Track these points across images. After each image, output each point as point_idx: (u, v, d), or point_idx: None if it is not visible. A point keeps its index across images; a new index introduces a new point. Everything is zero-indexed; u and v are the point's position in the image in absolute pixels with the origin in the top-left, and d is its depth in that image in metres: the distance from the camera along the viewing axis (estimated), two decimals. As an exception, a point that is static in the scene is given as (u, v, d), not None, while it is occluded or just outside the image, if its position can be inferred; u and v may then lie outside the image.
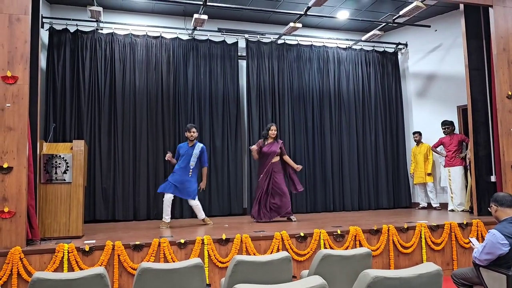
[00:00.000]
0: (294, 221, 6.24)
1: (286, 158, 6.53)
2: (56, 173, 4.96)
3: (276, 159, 6.39)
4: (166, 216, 5.98)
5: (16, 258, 3.98)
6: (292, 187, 6.54)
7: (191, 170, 6.01)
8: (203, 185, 6.18)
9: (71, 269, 4.07)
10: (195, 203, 6.06)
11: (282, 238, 4.71)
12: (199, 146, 6.12)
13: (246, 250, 4.59)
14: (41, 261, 4.11)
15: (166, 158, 6.17)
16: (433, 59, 8.73)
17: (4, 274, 3.94)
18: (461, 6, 6.54)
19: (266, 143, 6.40)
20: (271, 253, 4.59)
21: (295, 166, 6.45)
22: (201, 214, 6.15)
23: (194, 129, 6.11)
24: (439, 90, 8.57)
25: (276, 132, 6.43)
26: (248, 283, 2.14)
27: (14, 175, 4.26)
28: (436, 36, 8.61)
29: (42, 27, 6.88)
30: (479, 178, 6.23)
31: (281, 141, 6.55)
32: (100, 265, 4.13)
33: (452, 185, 7.44)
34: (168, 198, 5.95)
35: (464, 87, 6.54)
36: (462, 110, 7.95)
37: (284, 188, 6.33)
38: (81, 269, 4.06)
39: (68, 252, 4.11)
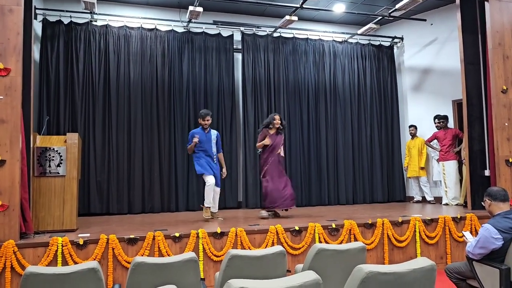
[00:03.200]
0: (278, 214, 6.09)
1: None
2: (49, 166, 4.93)
3: (282, 150, 6.10)
4: (211, 201, 5.74)
5: (9, 252, 3.96)
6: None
7: (214, 157, 5.90)
8: (224, 172, 6.06)
9: (65, 262, 4.06)
10: (219, 191, 5.95)
11: (277, 231, 4.72)
12: (214, 132, 6.00)
13: (241, 243, 4.59)
14: (34, 254, 4.09)
15: (194, 141, 5.70)
16: (429, 53, 8.73)
17: (-3, 268, 3.92)
18: (457, 0, 6.52)
19: (271, 133, 6.02)
20: (265, 247, 4.60)
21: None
22: (208, 200, 5.80)
23: (208, 117, 5.89)
24: (435, 84, 8.58)
25: (280, 122, 6.03)
26: (243, 277, 2.13)
27: (7, 168, 4.22)
28: (431, 30, 8.60)
29: (36, 18, 6.81)
30: (473, 172, 6.26)
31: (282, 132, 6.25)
32: (94, 259, 4.12)
33: (446, 179, 7.47)
34: (213, 183, 5.66)
35: (459, 81, 6.54)
36: (457, 104, 7.97)
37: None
38: (75, 262, 4.05)
39: (62, 246, 4.10)
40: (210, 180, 5.70)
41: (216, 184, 5.80)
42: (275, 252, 2.79)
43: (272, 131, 6.04)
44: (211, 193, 5.72)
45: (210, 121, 5.93)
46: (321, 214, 6.47)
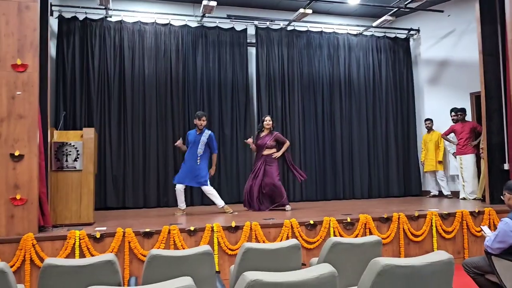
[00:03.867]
0: (288, 210, 6.09)
1: (285, 145, 6.36)
2: (66, 160, 5.00)
3: (269, 151, 6.28)
4: (181, 204, 6.07)
5: (28, 245, 4.04)
6: (297, 177, 6.50)
7: (198, 158, 5.99)
8: (212, 171, 6.15)
9: (82, 255, 4.12)
10: (208, 190, 6.05)
11: (291, 225, 4.70)
12: (207, 133, 6.08)
13: (255, 237, 4.60)
14: (53, 247, 4.16)
15: (175, 144, 6.21)
16: (446, 45, 8.56)
17: (17, 260, 4.00)
18: (476, -10, 6.38)
19: (261, 135, 6.37)
20: (280, 241, 4.59)
21: (285, 147, 6.33)
22: (219, 201, 6.06)
23: (204, 118, 6.07)
24: (452, 77, 8.42)
25: (271, 122, 6.33)
26: (257, 270, 2.13)
27: (25, 162, 4.29)
28: (449, 22, 8.43)
29: (52, 15, 6.88)
30: (491, 166, 6.14)
31: (276, 133, 6.42)
32: (111, 252, 4.17)
33: (464, 173, 7.34)
34: (179, 188, 6.01)
35: (477, 74, 6.41)
36: (475, 97, 7.81)
37: (276, 180, 6.20)
38: (92, 255, 4.11)
39: (80, 239, 4.16)
40: (177, 187, 6.05)
41: (199, 184, 6.05)
42: (290, 246, 2.79)
43: (265, 132, 6.34)
44: (181, 196, 6.06)
45: (205, 123, 6.09)
46: (336, 208, 6.43)
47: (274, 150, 6.32)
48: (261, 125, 6.46)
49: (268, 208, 6.21)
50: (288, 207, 6.20)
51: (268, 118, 6.38)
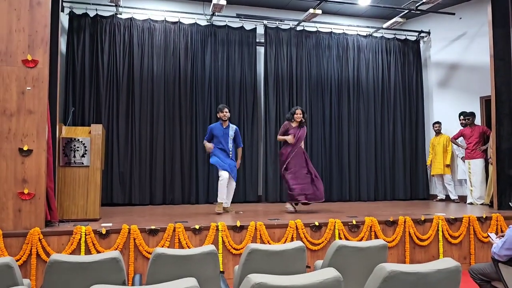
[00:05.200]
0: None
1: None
2: (74, 156, 5.03)
3: (303, 144, 6.10)
4: (224, 197, 5.80)
5: (35, 239, 4.07)
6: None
7: (230, 152, 5.91)
8: (237, 164, 6.05)
9: (88, 251, 4.15)
10: (234, 185, 6.00)
11: (296, 226, 4.69)
12: (233, 127, 5.99)
13: (260, 237, 4.59)
14: (59, 242, 4.19)
15: (207, 149, 5.91)
16: (457, 48, 8.49)
17: (23, 254, 4.04)
18: (489, -7, 6.31)
19: (293, 126, 6.01)
20: (285, 242, 4.58)
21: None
22: (229, 201, 6.01)
23: (226, 109, 5.92)
24: (462, 80, 8.35)
25: (301, 116, 5.99)
26: (262, 271, 2.12)
27: (33, 157, 4.32)
28: (460, 24, 8.35)
29: (62, 11, 6.93)
30: (500, 172, 6.08)
31: (305, 128, 6.16)
32: (116, 248, 4.19)
33: (472, 178, 7.27)
34: (226, 177, 5.71)
35: (488, 78, 6.35)
36: (485, 101, 7.74)
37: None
38: (97, 251, 4.14)
39: (85, 235, 4.18)
40: (223, 175, 5.74)
41: (234, 178, 5.89)
42: (295, 248, 2.77)
43: (294, 124, 6.03)
44: (225, 189, 5.76)
45: (228, 114, 5.92)
46: (341, 210, 6.41)
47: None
48: (290, 115, 6.04)
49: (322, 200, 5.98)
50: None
51: (299, 111, 6.00)
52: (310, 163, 6.10)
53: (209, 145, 5.87)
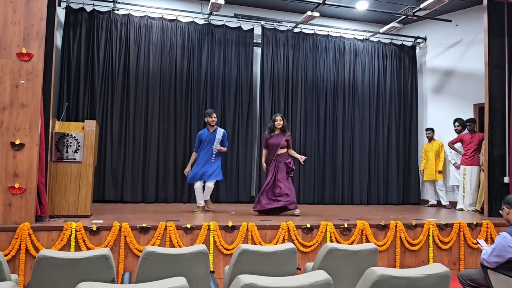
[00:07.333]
0: (297, 214, 5.76)
1: (291, 152, 6.11)
2: (67, 152, 4.99)
3: (282, 151, 6.01)
4: (200, 201, 6.12)
5: (24, 234, 4.04)
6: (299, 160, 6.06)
7: (214, 155, 6.02)
8: (217, 147, 6.02)
9: (78, 247, 4.12)
10: (212, 187, 6.12)
11: (288, 228, 4.70)
12: (220, 131, 6.13)
13: (251, 238, 4.59)
14: (49, 238, 4.16)
15: (185, 172, 6.26)
16: (452, 54, 8.55)
17: (12, 249, 4.00)
18: (485, 1, 6.35)
19: (272, 134, 6.05)
20: (276, 243, 4.59)
21: (298, 157, 6.03)
22: (207, 197, 6.20)
23: (214, 115, 6.12)
24: (456, 87, 8.41)
25: (282, 122, 5.97)
26: (252, 272, 2.12)
27: (25, 152, 4.29)
28: (456, 31, 8.41)
29: (59, 5, 6.88)
30: (492, 179, 6.12)
31: (289, 134, 6.14)
32: (107, 246, 4.17)
33: (466, 184, 7.23)
34: (198, 186, 6.04)
35: (482, 85, 6.39)
36: (479, 109, 7.78)
37: (286, 177, 5.97)
38: (88, 248, 4.11)
39: (76, 231, 4.16)
40: (195, 185, 6.06)
41: (216, 177, 6.05)
42: (286, 249, 2.77)
43: (276, 132, 6.04)
44: (200, 193, 6.07)
45: (216, 119, 6.10)
46: (334, 213, 6.42)
47: (285, 150, 6.03)
48: (271, 124, 6.06)
49: (277, 204, 5.81)
50: (298, 211, 5.82)
51: (278, 118, 6.02)
52: (282, 172, 5.97)
53: (188, 168, 6.19)
